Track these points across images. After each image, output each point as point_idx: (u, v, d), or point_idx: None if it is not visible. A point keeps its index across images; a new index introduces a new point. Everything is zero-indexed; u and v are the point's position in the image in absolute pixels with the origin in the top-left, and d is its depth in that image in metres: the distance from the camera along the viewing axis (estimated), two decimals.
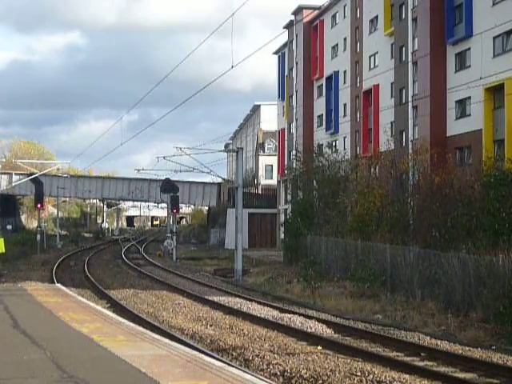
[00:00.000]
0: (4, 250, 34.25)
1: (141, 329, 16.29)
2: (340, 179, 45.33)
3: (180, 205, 73.90)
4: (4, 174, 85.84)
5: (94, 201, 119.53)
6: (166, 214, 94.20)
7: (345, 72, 57.91)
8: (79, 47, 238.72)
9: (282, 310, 24.29)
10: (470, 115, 39.56)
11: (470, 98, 39.04)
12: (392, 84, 48.81)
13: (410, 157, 38.73)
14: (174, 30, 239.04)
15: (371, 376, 13.47)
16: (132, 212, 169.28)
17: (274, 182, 79.48)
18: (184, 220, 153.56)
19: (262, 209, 73.73)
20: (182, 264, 51.03)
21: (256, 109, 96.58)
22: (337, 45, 59.62)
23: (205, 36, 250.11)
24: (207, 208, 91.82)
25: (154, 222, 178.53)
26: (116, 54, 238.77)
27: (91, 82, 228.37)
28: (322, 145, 52.76)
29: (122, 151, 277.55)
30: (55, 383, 9.81)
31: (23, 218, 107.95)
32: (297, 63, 66.51)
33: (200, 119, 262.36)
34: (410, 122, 45.39)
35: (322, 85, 62.30)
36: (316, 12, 63.28)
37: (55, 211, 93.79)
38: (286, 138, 69.09)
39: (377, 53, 51.85)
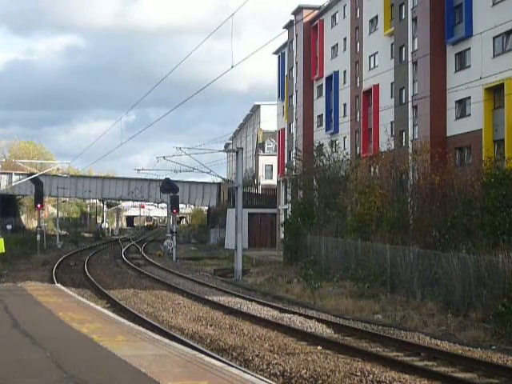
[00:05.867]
0: (4, 250, 34.24)
1: (141, 329, 16.29)
2: (340, 179, 45.33)
3: (180, 205, 73.91)
4: (4, 173, 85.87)
5: (94, 201, 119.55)
6: (166, 214, 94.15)
7: (345, 72, 57.91)
8: (77, 49, 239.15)
9: (281, 310, 24.28)
10: (469, 115, 39.54)
11: (469, 97, 39.02)
12: (392, 84, 48.80)
13: (410, 157, 38.73)
14: (169, 31, 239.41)
15: (371, 376, 13.48)
16: (132, 212, 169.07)
17: (273, 182, 79.45)
18: (184, 220, 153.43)
19: (262, 209, 73.72)
20: (182, 264, 51.01)
21: (256, 109, 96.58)
22: (337, 45, 59.62)
23: (200, 37, 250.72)
24: (207, 208, 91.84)
25: (147, 223, 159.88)
26: (113, 55, 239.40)
27: (89, 83, 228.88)
28: (322, 144, 52.67)
29: (121, 151, 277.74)
30: (55, 383, 9.81)
31: (23, 218, 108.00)
32: (297, 63, 66.50)
33: (197, 120, 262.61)
34: (410, 122, 45.38)
35: (321, 85, 62.29)
36: (316, 12, 63.29)
37: (55, 211, 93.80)
38: (285, 138, 69.07)
39: (377, 53, 51.84)
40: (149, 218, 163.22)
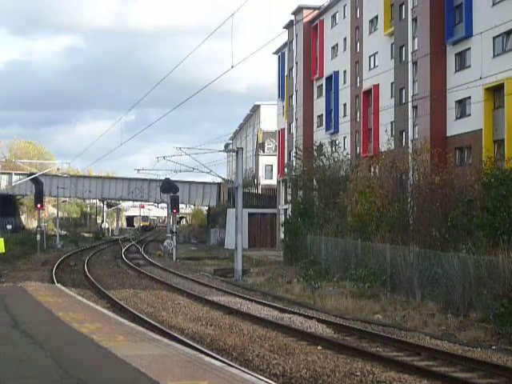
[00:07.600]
0: (4, 250, 34.22)
1: (141, 329, 16.28)
2: (340, 179, 45.32)
3: (180, 205, 73.90)
4: (4, 173, 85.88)
5: (94, 201, 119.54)
6: (166, 214, 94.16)
7: (345, 72, 57.91)
8: (77, 49, 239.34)
9: (281, 310, 24.27)
10: (469, 115, 39.56)
11: (469, 97, 39.03)
12: (392, 84, 48.79)
13: (410, 157, 38.72)
14: (169, 31, 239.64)
15: (371, 376, 13.48)
16: (132, 212, 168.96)
17: (273, 182, 79.47)
18: (184, 220, 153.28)
19: (262, 209, 73.75)
20: (182, 264, 50.99)
21: (256, 109, 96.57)
22: (337, 45, 59.63)
23: (200, 37, 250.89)
24: (207, 208, 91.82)
25: (142, 224, 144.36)
26: (113, 55, 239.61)
27: (89, 83, 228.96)
28: (323, 144, 52.65)
29: (121, 151, 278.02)
30: (55, 383, 9.80)
31: (23, 218, 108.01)
32: (297, 63, 66.51)
33: (197, 120, 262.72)
34: (410, 121, 45.38)
35: (321, 85, 62.29)
36: (316, 12, 63.31)
37: (55, 211, 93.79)
38: (285, 137, 69.07)
39: (377, 53, 51.84)
40: (145, 218, 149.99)
